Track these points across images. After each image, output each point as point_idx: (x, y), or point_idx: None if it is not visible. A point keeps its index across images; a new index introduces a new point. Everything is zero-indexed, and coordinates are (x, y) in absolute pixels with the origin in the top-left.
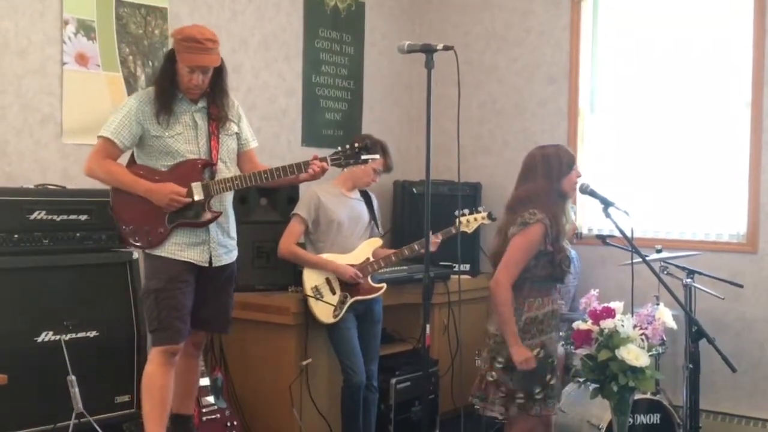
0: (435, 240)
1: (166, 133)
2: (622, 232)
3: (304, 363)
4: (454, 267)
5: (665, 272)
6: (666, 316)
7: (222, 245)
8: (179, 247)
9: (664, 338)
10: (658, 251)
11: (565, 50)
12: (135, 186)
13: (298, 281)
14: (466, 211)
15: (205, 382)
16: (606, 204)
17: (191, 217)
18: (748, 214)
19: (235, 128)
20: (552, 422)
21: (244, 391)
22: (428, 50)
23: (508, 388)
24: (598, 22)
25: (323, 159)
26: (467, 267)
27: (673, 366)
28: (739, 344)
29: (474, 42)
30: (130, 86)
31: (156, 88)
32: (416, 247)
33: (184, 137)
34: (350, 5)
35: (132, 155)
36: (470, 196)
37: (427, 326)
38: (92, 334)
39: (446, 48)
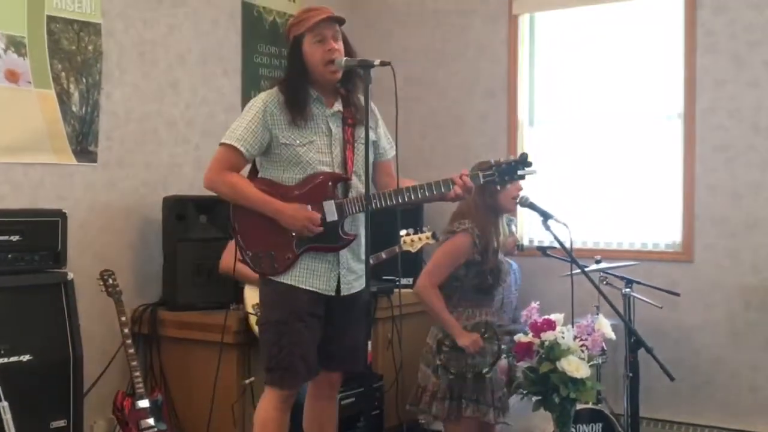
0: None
1: (297, 141)
2: (561, 243)
3: (247, 381)
4: (397, 281)
5: (605, 282)
6: (605, 327)
7: (352, 271)
8: (305, 274)
9: (605, 348)
10: (597, 262)
11: (503, 64)
12: (263, 205)
13: (239, 299)
14: (411, 230)
15: (144, 403)
16: (545, 216)
17: (323, 241)
18: (683, 223)
19: (372, 135)
20: None
21: (186, 412)
22: (366, 66)
23: (444, 390)
24: (535, 36)
25: (472, 176)
26: (410, 281)
27: (614, 375)
28: (677, 352)
29: (413, 56)
30: (63, 103)
31: (286, 86)
32: None
33: (317, 146)
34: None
35: (253, 166)
36: (411, 211)
37: (368, 343)
38: (26, 358)
39: (383, 63)
